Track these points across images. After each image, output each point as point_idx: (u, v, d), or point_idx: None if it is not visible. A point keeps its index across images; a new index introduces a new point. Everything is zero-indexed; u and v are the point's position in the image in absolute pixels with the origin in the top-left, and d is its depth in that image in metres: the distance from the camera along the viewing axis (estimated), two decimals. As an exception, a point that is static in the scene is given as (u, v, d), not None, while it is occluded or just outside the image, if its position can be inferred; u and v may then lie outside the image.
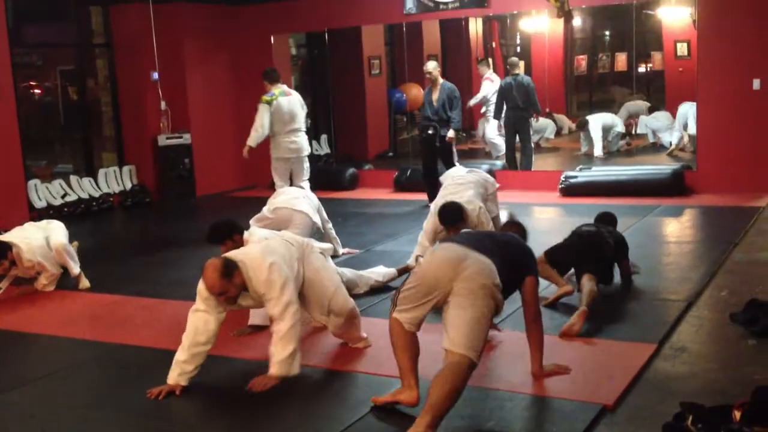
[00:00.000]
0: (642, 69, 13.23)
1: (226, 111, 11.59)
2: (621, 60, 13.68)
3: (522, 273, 3.88)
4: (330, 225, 6.97)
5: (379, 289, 5.76)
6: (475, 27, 13.97)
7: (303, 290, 4.27)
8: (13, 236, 6.15)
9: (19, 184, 9.11)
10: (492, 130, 11.31)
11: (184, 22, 10.94)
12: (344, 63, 12.49)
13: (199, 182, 11.09)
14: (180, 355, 4.03)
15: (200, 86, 11.17)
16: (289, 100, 8.33)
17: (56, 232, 6.33)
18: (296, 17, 11.34)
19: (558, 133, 12.98)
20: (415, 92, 13.10)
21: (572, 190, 9.28)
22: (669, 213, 8.24)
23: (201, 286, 4.00)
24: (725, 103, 9.04)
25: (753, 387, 3.44)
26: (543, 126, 12.47)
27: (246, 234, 5.14)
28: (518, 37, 14.86)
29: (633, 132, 12.56)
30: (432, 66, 8.98)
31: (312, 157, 11.03)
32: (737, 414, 3.20)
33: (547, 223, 8.46)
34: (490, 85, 11.29)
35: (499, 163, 10.73)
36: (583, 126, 11.87)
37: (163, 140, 10.77)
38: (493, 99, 10.97)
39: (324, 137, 12.81)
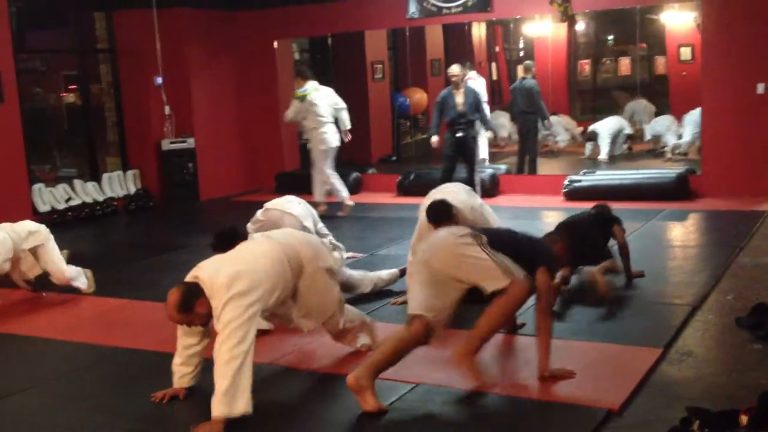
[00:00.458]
0: (645, 73, 13.22)
1: (230, 115, 11.60)
2: (624, 64, 13.69)
3: (535, 260, 4.01)
4: (330, 236, 6.85)
5: (381, 293, 5.74)
6: (479, 32, 13.98)
7: (296, 299, 4.16)
8: None
9: (22, 189, 9.13)
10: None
11: (187, 27, 10.96)
12: (347, 68, 12.50)
13: (202, 186, 11.10)
14: (176, 359, 4.06)
15: (204, 91, 11.18)
16: (320, 95, 9.11)
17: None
18: (299, 22, 11.34)
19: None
20: (418, 97, 13.13)
21: (576, 194, 9.26)
22: (673, 217, 8.22)
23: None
24: (729, 107, 9.03)
25: (759, 391, 3.41)
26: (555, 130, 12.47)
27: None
28: (521, 41, 14.87)
29: (643, 138, 12.53)
30: (458, 69, 8.98)
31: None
32: (744, 419, 3.18)
33: (551, 227, 8.40)
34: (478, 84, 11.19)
35: (503, 167, 10.73)
36: (593, 137, 11.86)
37: (166, 145, 10.78)
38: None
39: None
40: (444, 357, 4.37)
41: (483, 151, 11.03)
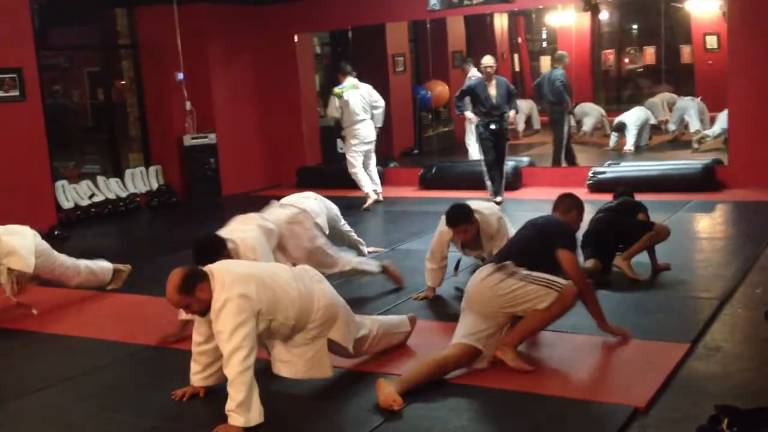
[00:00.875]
0: (671, 62, 13.03)
1: (251, 110, 11.59)
2: (649, 53, 13.50)
3: (551, 247, 4.18)
4: (353, 232, 6.82)
5: (402, 289, 5.70)
6: (501, 23, 13.86)
7: (285, 343, 3.94)
8: None
9: (46, 186, 9.16)
10: (470, 134, 11.03)
11: (208, 23, 10.95)
12: (368, 61, 12.44)
13: (224, 182, 11.10)
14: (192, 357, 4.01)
15: (225, 86, 11.17)
16: (359, 93, 9.41)
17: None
18: (320, 16, 11.30)
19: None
20: (439, 89, 13.04)
21: (601, 186, 9.12)
22: (700, 209, 8.09)
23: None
24: (757, 97, 8.86)
25: (791, 388, 3.34)
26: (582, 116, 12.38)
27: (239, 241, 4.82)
28: (544, 32, 14.72)
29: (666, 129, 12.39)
30: (492, 60, 8.90)
31: (338, 156, 11.03)
32: (775, 417, 3.10)
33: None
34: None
35: (526, 159, 10.62)
36: (621, 128, 11.75)
37: (188, 140, 10.79)
38: None
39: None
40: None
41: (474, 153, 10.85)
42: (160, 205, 10.60)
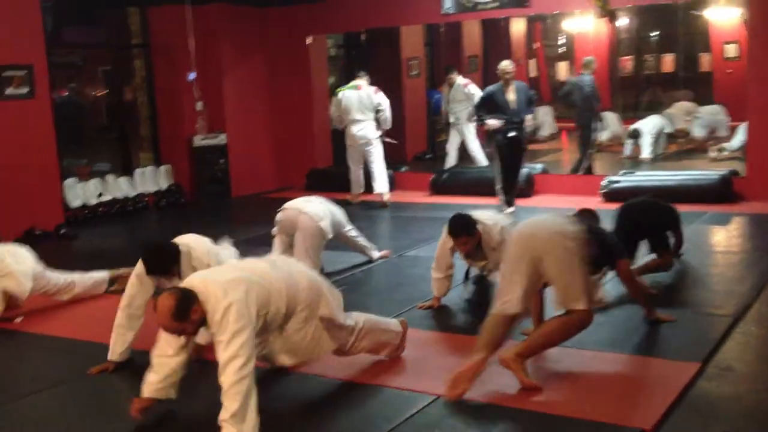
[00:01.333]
0: (689, 70, 12.87)
1: (262, 112, 11.51)
2: (667, 61, 13.34)
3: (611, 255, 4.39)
4: (358, 234, 6.71)
5: (408, 298, 5.58)
6: (517, 28, 13.73)
7: (281, 334, 3.89)
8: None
9: (54, 184, 9.10)
10: (473, 140, 10.86)
11: (221, 23, 10.88)
12: (382, 64, 12.35)
13: (234, 183, 11.03)
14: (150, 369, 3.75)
15: (236, 87, 11.10)
16: (358, 94, 9.53)
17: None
18: (333, 18, 11.20)
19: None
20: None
21: (615, 195, 8.93)
22: (716, 221, 7.90)
23: (162, 332, 3.64)
24: (777, 107, 8.68)
25: (805, 414, 3.19)
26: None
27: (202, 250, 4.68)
28: (562, 37, 14.58)
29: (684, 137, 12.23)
30: (511, 65, 8.67)
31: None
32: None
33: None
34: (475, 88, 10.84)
35: (539, 166, 10.47)
36: (636, 136, 11.59)
37: (198, 141, 10.72)
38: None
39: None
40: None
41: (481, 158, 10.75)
42: (169, 206, 10.53)
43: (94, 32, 11.41)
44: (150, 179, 10.66)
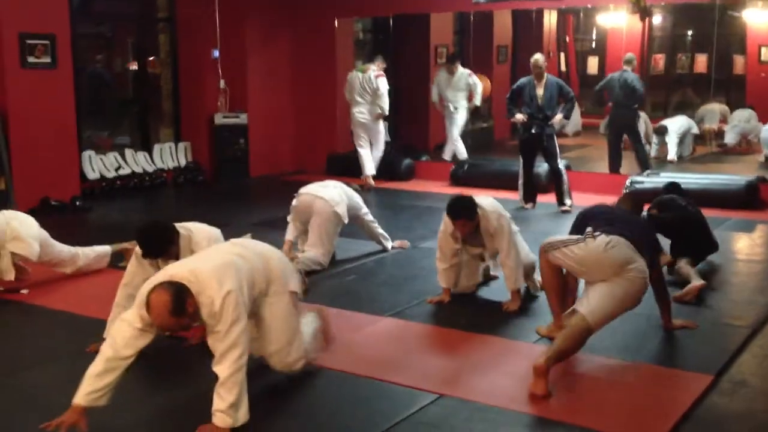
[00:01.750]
0: (722, 71, 12.59)
1: (285, 93, 11.40)
2: (701, 61, 13.05)
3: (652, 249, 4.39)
4: (374, 221, 6.63)
5: (418, 291, 5.47)
6: (549, 20, 13.50)
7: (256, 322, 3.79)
8: None
9: (72, 155, 9.07)
10: (458, 131, 11.14)
11: (248, 1, 10.77)
12: (410, 50, 12.19)
13: (253, 163, 10.95)
14: (94, 368, 3.34)
15: (260, 66, 10.99)
16: (361, 76, 9.97)
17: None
18: (362, 1, 11.06)
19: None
20: (482, 84, 12.71)
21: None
22: (740, 227, 7.71)
23: (143, 311, 3.30)
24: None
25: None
26: None
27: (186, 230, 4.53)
28: (594, 32, 14.33)
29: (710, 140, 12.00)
30: (542, 60, 8.45)
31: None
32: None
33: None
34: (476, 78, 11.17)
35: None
36: (662, 132, 11.38)
37: (219, 119, 10.65)
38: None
39: (384, 125, 12.49)
40: (468, 367, 4.10)
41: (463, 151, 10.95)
42: (187, 183, 10.47)
43: (123, 4, 11.35)
44: (169, 155, 10.60)
